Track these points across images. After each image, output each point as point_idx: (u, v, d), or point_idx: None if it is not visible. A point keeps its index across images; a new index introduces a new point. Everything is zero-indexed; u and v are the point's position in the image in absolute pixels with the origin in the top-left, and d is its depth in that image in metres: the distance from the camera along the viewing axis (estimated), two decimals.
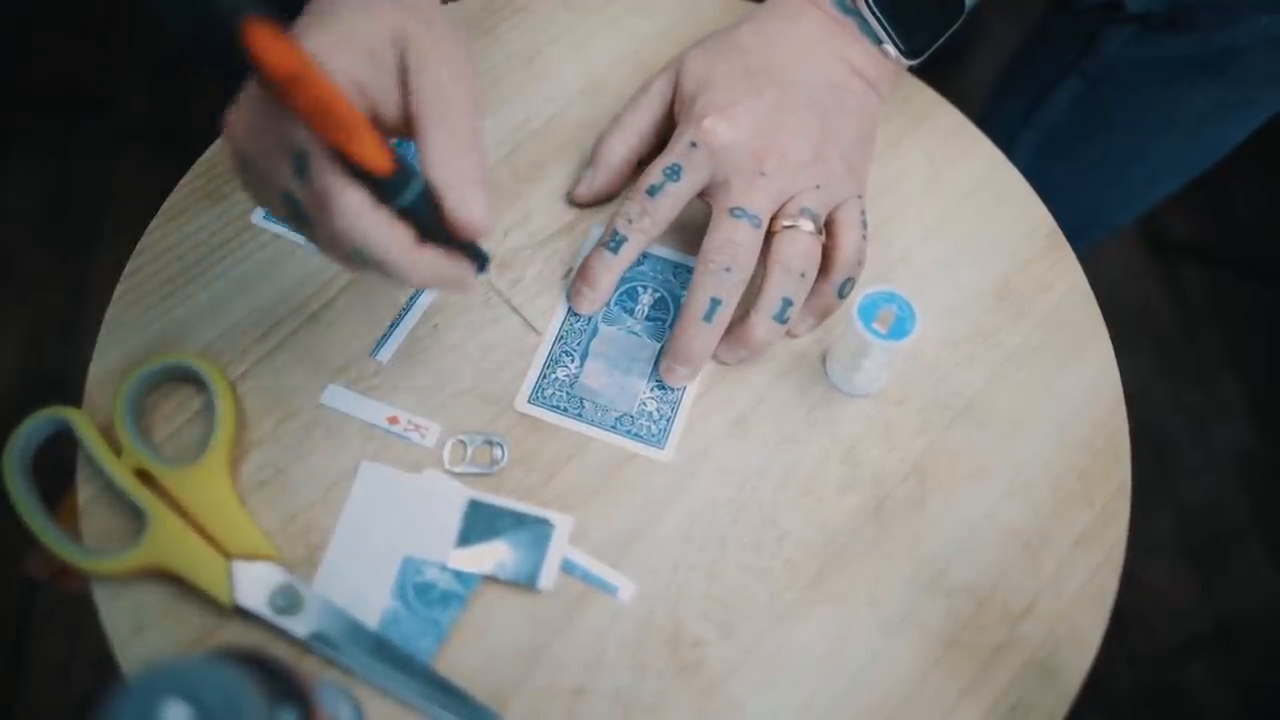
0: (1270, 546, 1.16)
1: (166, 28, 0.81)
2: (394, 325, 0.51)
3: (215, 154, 0.56)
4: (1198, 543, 1.16)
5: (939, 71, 0.64)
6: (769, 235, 0.50)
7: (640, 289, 0.53)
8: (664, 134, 0.54)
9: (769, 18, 0.54)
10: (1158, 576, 1.14)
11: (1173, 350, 1.27)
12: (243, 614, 0.44)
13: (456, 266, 0.40)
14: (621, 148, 0.54)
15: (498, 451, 0.49)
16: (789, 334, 0.52)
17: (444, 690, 0.43)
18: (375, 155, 0.36)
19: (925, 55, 0.54)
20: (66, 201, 1.28)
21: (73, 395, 0.48)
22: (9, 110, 1.33)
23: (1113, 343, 0.54)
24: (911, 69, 0.57)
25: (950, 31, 0.53)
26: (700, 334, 0.49)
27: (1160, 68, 0.68)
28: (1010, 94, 0.79)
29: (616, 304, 0.53)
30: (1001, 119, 0.79)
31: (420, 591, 0.45)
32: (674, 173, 0.50)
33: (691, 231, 0.53)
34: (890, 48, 0.53)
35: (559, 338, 0.52)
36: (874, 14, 0.52)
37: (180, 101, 1.34)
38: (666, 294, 0.53)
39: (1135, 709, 1.08)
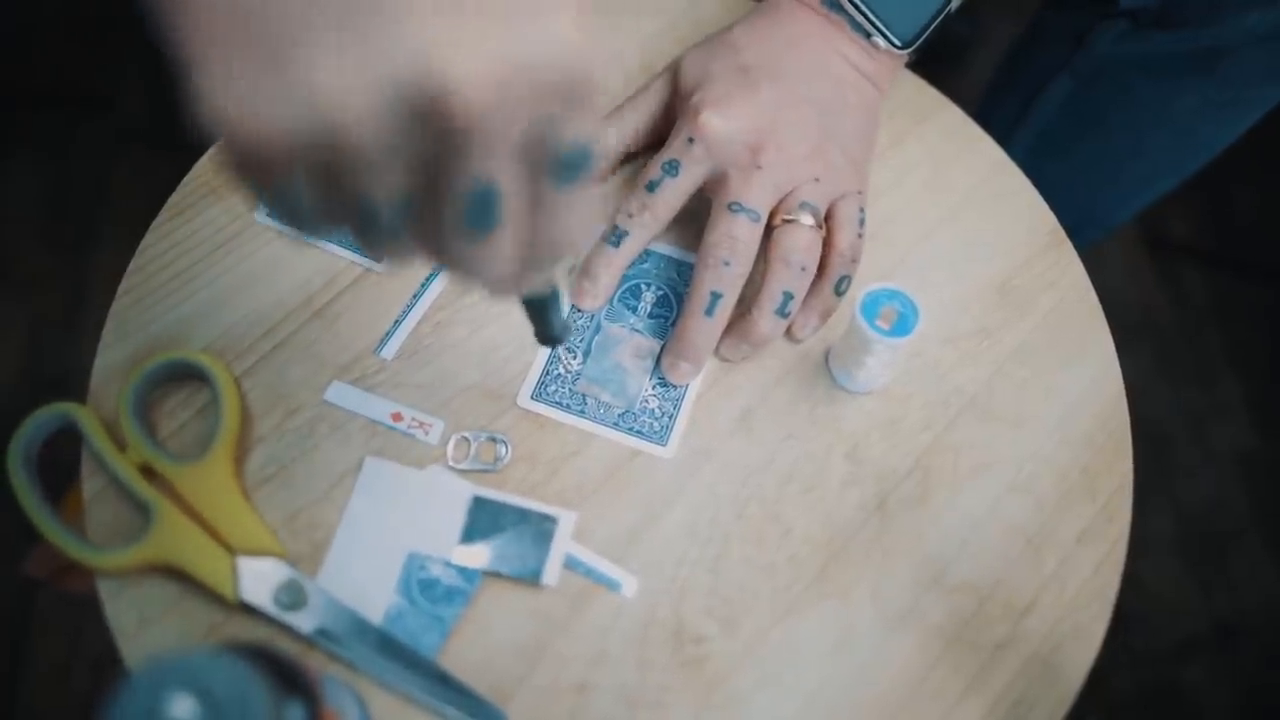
0: (1270, 546, 1.16)
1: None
2: (398, 322, 0.51)
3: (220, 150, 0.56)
4: (1197, 542, 1.16)
5: (939, 71, 0.64)
6: (769, 229, 0.50)
7: (643, 286, 0.53)
8: (661, 134, 0.54)
9: (762, 17, 0.54)
10: (1158, 576, 1.14)
11: (1173, 350, 1.27)
12: (247, 610, 0.44)
13: None
14: (615, 139, 0.54)
15: (501, 448, 0.49)
16: (791, 338, 0.52)
17: (448, 686, 0.43)
18: None
19: (918, 45, 0.53)
20: (66, 201, 1.28)
21: (72, 395, 0.48)
22: (9, 110, 1.33)
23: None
24: (913, 66, 0.57)
25: (939, 18, 0.53)
26: (702, 329, 0.49)
27: (1150, 65, 0.68)
28: (1004, 92, 0.80)
29: (620, 301, 0.53)
30: (996, 117, 0.79)
31: (424, 587, 0.45)
32: (672, 168, 0.50)
33: (697, 230, 0.53)
34: (880, 40, 0.53)
35: None
36: (857, 7, 0.52)
37: (180, 101, 1.34)
38: (670, 291, 0.53)
39: (1135, 708, 1.08)
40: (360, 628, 0.44)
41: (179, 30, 0.26)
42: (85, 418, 0.47)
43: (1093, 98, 0.72)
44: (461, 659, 0.44)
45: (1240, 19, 0.63)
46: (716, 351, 0.51)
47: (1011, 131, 0.77)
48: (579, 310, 0.52)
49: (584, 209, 0.30)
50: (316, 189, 0.27)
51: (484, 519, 0.47)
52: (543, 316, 0.37)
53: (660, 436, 0.50)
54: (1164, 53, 0.67)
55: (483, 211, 0.28)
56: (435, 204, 0.28)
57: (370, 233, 0.29)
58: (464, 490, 0.47)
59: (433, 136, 0.26)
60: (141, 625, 0.44)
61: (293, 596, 0.44)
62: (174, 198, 0.54)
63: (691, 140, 0.49)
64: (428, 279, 0.53)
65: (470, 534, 0.46)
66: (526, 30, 0.25)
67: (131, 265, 0.52)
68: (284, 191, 0.28)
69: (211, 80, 0.26)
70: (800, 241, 0.49)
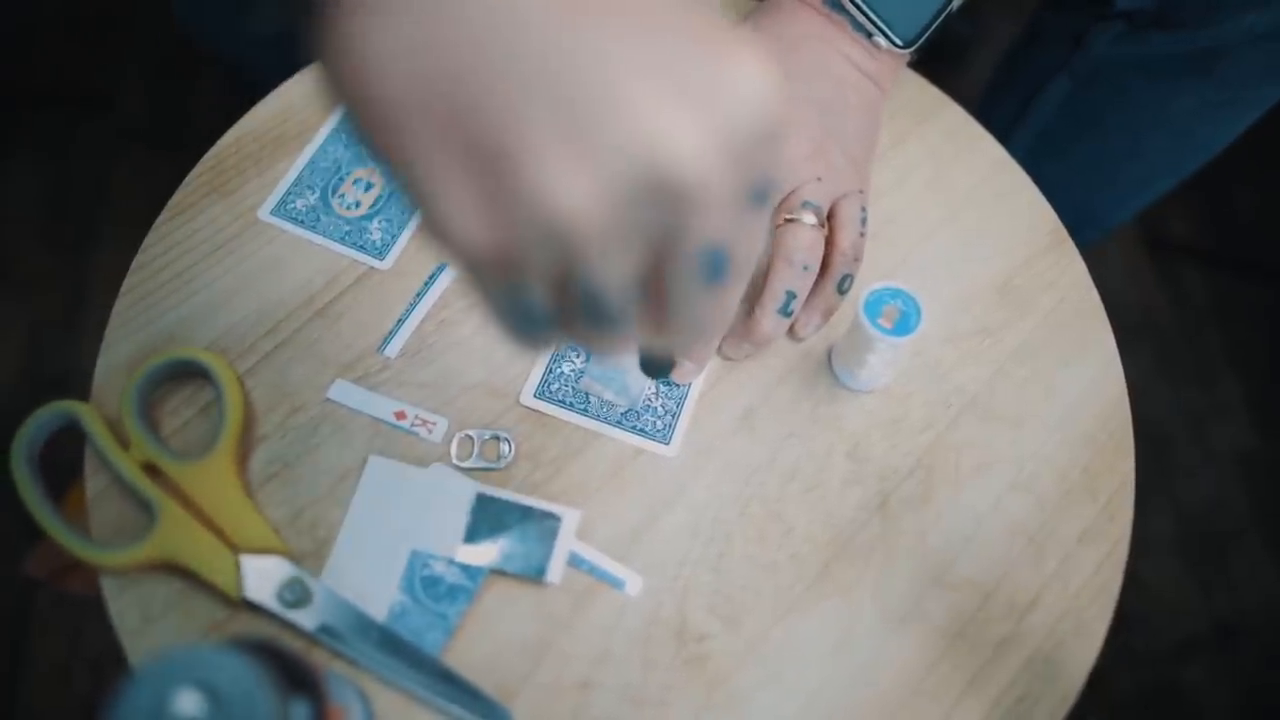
0: (1270, 546, 1.16)
1: (171, 28, 0.81)
2: (401, 320, 0.51)
3: (223, 149, 0.56)
4: (1198, 542, 1.16)
5: (940, 71, 0.64)
6: (771, 228, 0.50)
7: None
8: None
9: (765, 17, 0.54)
10: (1158, 575, 1.14)
11: (1173, 350, 1.27)
12: (251, 607, 0.44)
13: None
14: None
15: (504, 446, 0.49)
16: (794, 337, 0.53)
17: (452, 683, 0.43)
18: None
19: (919, 44, 0.53)
20: (66, 201, 1.28)
21: (72, 395, 0.48)
22: (9, 110, 1.33)
23: None
24: (913, 65, 0.57)
25: (941, 17, 0.53)
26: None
27: (1147, 67, 0.68)
28: (1003, 92, 0.80)
29: None
30: (994, 117, 0.79)
31: (428, 585, 0.45)
32: None
33: None
34: (881, 40, 0.53)
35: None
36: (858, 7, 0.52)
37: (180, 101, 1.34)
38: None
39: (1135, 708, 1.08)
40: (364, 625, 0.44)
41: (396, 149, 0.25)
42: (88, 416, 0.47)
43: (1090, 99, 0.73)
44: (465, 657, 0.44)
45: (1237, 20, 0.63)
46: (719, 350, 0.51)
47: (1010, 132, 0.77)
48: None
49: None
50: (549, 289, 0.26)
51: (487, 517, 0.47)
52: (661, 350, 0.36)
53: (663, 435, 0.50)
54: (1161, 54, 0.67)
55: (718, 266, 0.27)
56: (662, 276, 0.27)
57: (601, 322, 0.27)
58: (467, 488, 0.47)
59: (663, 213, 0.25)
60: (145, 623, 0.44)
61: (296, 594, 0.44)
62: (174, 198, 0.54)
63: None
64: (431, 277, 0.53)
65: (474, 532, 0.46)
66: (725, 82, 0.24)
67: (133, 264, 0.52)
68: (516, 297, 0.26)
69: (436, 195, 0.25)
70: (803, 240, 0.49)
